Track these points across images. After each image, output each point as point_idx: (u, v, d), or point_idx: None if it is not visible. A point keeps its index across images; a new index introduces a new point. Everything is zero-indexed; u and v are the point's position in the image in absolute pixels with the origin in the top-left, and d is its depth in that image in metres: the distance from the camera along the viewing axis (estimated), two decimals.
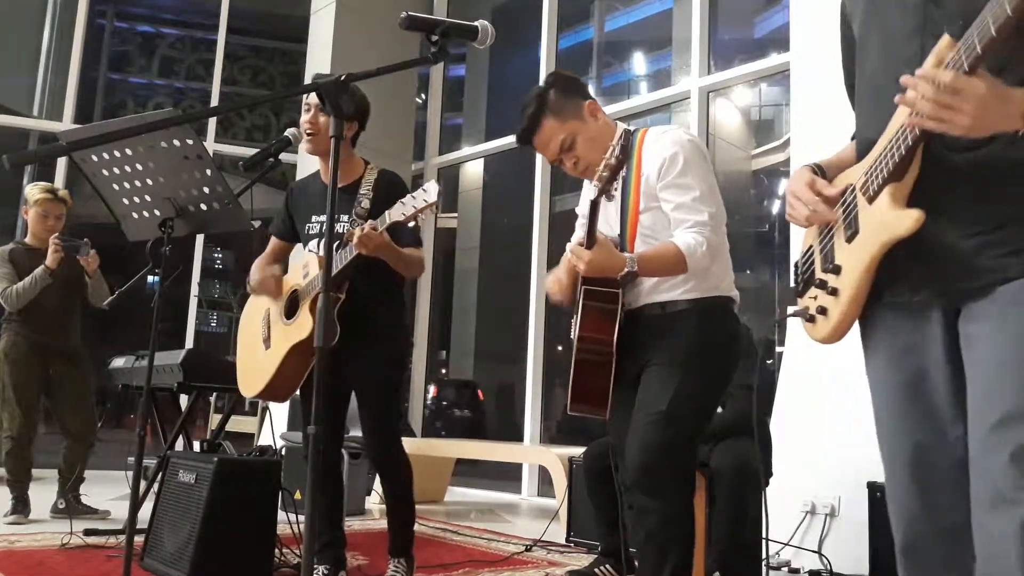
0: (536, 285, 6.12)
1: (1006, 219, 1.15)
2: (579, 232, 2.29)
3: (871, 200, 1.23)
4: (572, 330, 2.09)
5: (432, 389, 7.00)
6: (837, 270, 1.30)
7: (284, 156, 2.58)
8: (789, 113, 4.12)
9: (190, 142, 2.10)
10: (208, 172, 2.15)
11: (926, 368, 1.26)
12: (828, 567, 3.20)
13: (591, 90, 2.23)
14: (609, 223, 2.08)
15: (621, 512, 2.74)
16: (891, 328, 1.30)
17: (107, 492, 4.30)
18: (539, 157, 6.19)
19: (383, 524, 2.80)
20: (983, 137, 1.13)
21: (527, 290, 6.19)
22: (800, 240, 1.49)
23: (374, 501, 4.93)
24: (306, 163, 5.41)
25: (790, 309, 1.45)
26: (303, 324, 2.51)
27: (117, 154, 2.17)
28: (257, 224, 2.63)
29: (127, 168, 2.19)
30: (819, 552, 3.25)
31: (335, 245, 2.42)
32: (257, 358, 2.68)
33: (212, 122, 7.22)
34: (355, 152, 2.73)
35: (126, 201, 2.28)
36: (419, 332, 6.97)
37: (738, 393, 2.97)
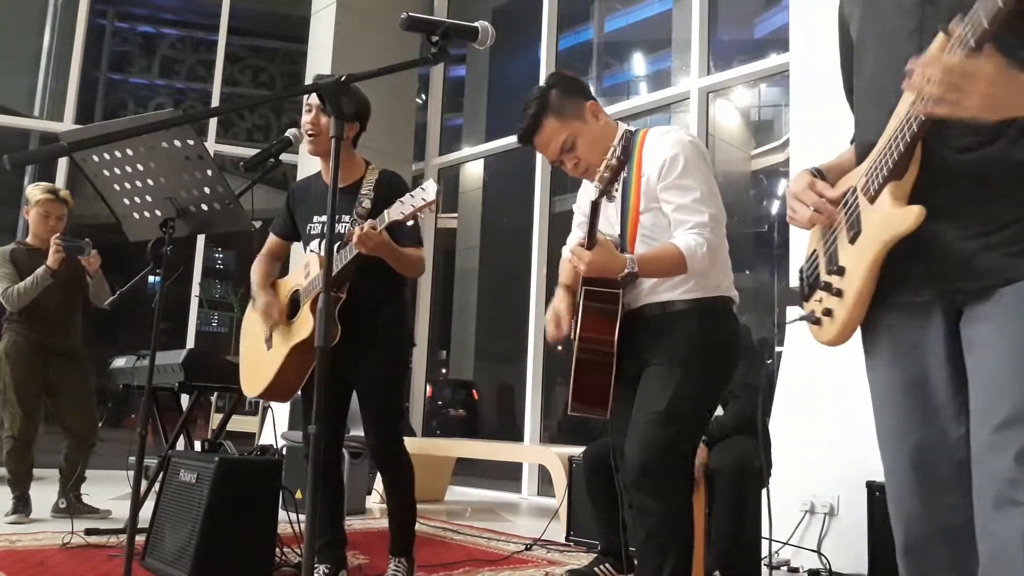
0: (536, 285, 6.12)
1: (1007, 220, 1.16)
2: (576, 231, 2.30)
3: (872, 200, 1.24)
4: (572, 330, 2.09)
5: (427, 389, 7.01)
6: (841, 271, 1.30)
7: (285, 156, 2.59)
8: (788, 114, 4.12)
9: (191, 142, 2.11)
10: (209, 172, 2.16)
11: (927, 369, 1.27)
12: (827, 566, 3.20)
13: (591, 91, 2.23)
14: (609, 223, 2.09)
15: (621, 511, 2.74)
16: (892, 328, 1.30)
17: (108, 492, 4.31)
18: (539, 157, 6.20)
19: (384, 523, 2.81)
20: (988, 128, 1.13)
21: (527, 290, 6.20)
22: (800, 240, 1.50)
23: (375, 500, 4.93)
24: (307, 163, 5.42)
25: (796, 313, 1.45)
26: (304, 324, 2.52)
27: (118, 154, 2.17)
28: (258, 224, 2.64)
29: (128, 168, 2.20)
30: (818, 551, 3.26)
31: (336, 245, 2.43)
32: (259, 358, 2.69)
33: (213, 122, 7.22)
34: (356, 152, 2.74)
35: (127, 201, 2.29)
36: (419, 332, 6.98)
37: (738, 393, 2.98)
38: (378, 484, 4.91)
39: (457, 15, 7.19)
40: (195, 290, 6.70)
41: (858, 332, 1.35)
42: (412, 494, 2.67)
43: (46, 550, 3.03)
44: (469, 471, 6.20)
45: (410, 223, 2.36)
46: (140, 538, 2.51)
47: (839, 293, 1.31)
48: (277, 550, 2.65)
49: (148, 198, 2.25)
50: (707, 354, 2.02)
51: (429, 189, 2.27)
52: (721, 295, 2.08)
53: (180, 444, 3.64)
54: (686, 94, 5.49)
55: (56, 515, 3.84)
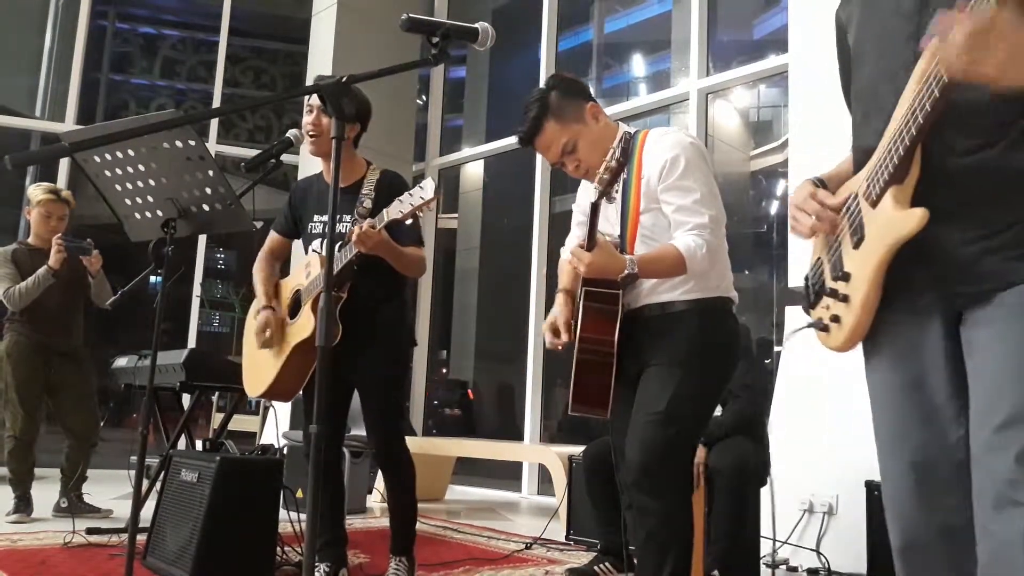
0: (536, 285, 6.13)
1: (1009, 223, 1.16)
2: (576, 231, 2.30)
3: (874, 204, 1.24)
4: (572, 331, 2.10)
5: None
6: (847, 277, 1.30)
7: (286, 157, 2.60)
8: (788, 114, 4.13)
9: (192, 143, 2.11)
10: (210, 173, 2.17)
11: (926, 370, 1.27)
12: (826, 565, 3.21)
13: (591, 92, 2.24)
14: (609, 224, 2.10)
15: (621, 510, 2.75)
16: (892, 330, 1.31)
17: (109, 491, 4.32)
18: (539, 158, 6.21)
19: (384, 522, 2.82)
20: (988, 131, 1.14)
21: (527, 290, 6.21)
22: (799, 241, 1.50)
23: (375, 500, 4.94)
24: (308, 164, 5.43)
25: (804, 321, 1.45)
26: (305, 324, 2.53)
27: (119, 155, 2.18)
28: (259, 225, 2.65)
29: (129, 169, 2.21)
30: (817, 550, 3.27)
31: (337, 245, 2.44)
32: (261, 358, 2.70)
33: (214, 123, 7.23)
34: (357, 153, 2.75)
35: (128, 202, 2.30)
36: (420, 332, 6.99)
37: (737, 393, 2.99)
38: (379, 483, 4.92)
39: (457, 16, 7.20)
40: (196, 290, 6.71)
41: None
42: (413, 493, 2.67)
43: (47, 549, 3.04)
44: (469, 471, 6.20)
45: (409, 222, 2.37)
46: (141, 537, 2.52)
47: (846, 299, 1.31)
48: (278, 549, 2.66)
49: (149, 198, 2.26)
50: (707, 354, 2.03)
51: (428, 188, 2.27)
52: (721, 296, 2.09)
53: (181, 444, 3.64)
54: (685, 95, 5.50)
55: (57, 514, 3.85)
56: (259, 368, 2.71)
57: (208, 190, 2.20)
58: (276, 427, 4.18)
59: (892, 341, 1.32)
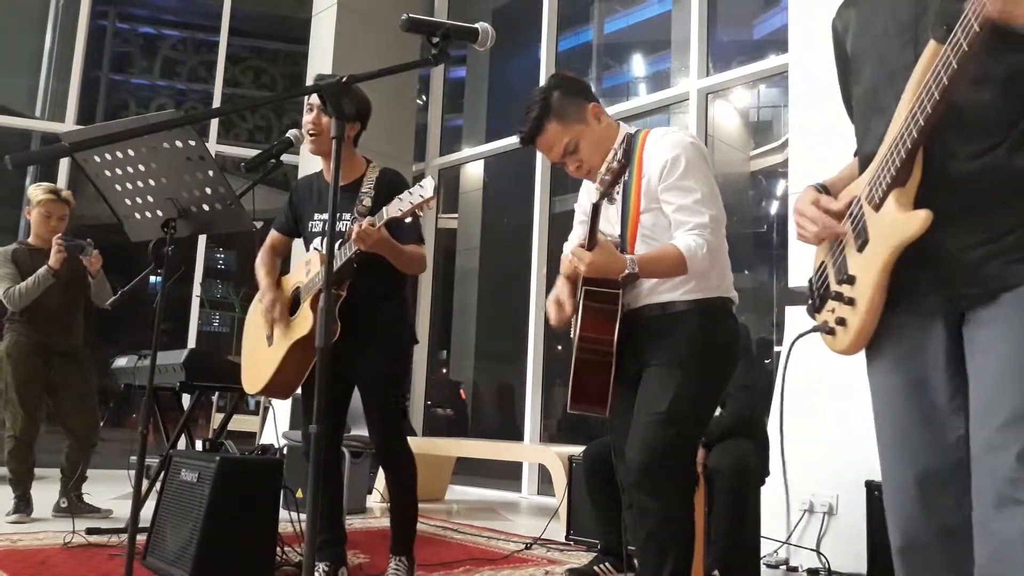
0: (536, 285, 6.13)
1: (1011, 226, 1.17)
2: (577, 230, 2.30)
3: (877, 208, 1.25)
4: (572, 330, 2.10)
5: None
6: (852, 280, 1.31)
7: (286, 157, 2.60)
8: (787, 114, 4.13)
9: (192, 143, 2.12)
10: (210, 173, 2.17)
11: (927, 371, 1.28)
12: (826, 565, 3.21)
13: (593, 92, 2.22)
14: (610, 223, 2.09)
15: (621, 510, 2.75)
16: (894, 331, 1.31)
17: (109, 491, 4.32)
18: (539, 158, 6.21)
19: (384, 522, 2.82)
20: (989, 134, 1.15)
21: (527, 290, 6.21)
22: (799, 240, 1.50)
23: (375, 500, 4.94)
24: (308, 164, 5.43)
25: (809, 325, 1.45)
26: (304, 321, 2.53)
27: (119, 155, 2.18)
28: (259, 225, 2.65)
29: (129, 169, 2.21)
30: (817, 550, 3.27)
31: (337, 243, 2.44)
32: (260, 355, 2.70)
33: (214, 123, 7.23)
34: (356, 151, 2.76)
35: (128, 202, 2.30)
36: (420, 332, 6.99)
37: (736, 393, 2.99)
38: (379, 483, 4.92)
39: (457, 16, 7.20)
40: (196, 290, 6.71)
41: None
42: (413, 493, 2.67)
43: (47, 549, 3.04)
44: (469, 471, 6.20)
45: (409, 220, 2.37)
46: (141, 537, 2.52)
47: (851, 302, 1.31)
48: (278, 549, 2.66)
49: (149, 198, 2.26)
50: (707, 355, 2.03)
51: (427, 186, 2.28)
52: (721, 296, 2.09)
53: (181, 443, 3.65)
54: (685, 95, 5.50)
55: (57, 514, 3.85)
56: (257, 365, 2.71)
57: (208, 190, 2.20)
58: (276, 427, 4.19)
59: (895, 343, 1.32)
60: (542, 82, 2.25)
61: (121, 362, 4.05)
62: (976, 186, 1.18)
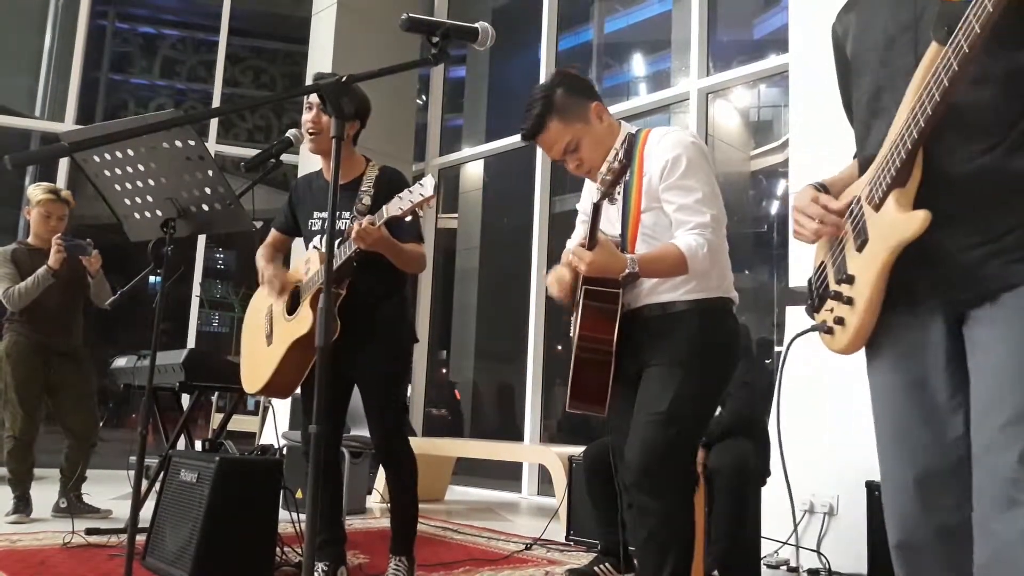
0: (536, 285, 6.13)
1: (1011, 227, 1.17)
2: (579, 230, 2.30)
3: (877, 208, 1.25)
4: (572, 329, 2.10)
5: (408, 389, 7.00)
6: (851, 280, 1.31)
7: (285, 157, 2.59)
8: (788, 114, 4.13)
9: (192, 143, 2.11)
10: (210, 173, 2.17)
11: (927, 370, 1.28)
12: (827, 566, 3.21)
13: (596, 91, 2.21)
14: (610, 223, 2.09)
15: (621, 511, 2.75)
16: (894, 331, 1.31)
17: (109, 491, 4.32)
18: (539, 158, 6.21)
19: (384, 523, 2.82)
20: (988, 135, 1.16)
21: (527, 290, 6.20)
22: (796, 239, 1.50)
23: (375, 500, 4.94)
24: (307, 164, 5.43)
25: (808, 324, 1.45)
26: (303, 320, 2.53)
27: (119, 155, 2.18)
28: (259, 225, 2.65)
29: (129, 169, 2.21)
30: (818, 551, 3.27)
31: (336, 241, 2.43)
32: (259, 354, 2.70)
33: (214, 123, 7.23)
34: (356, 150, 2.76)
35: (128, 202, 2.29)
36: (420, 332, 6.97)
37: (736, 393, 2.99)
38: (379, 483, 4.91)
39: (457, 16, 7.19)
40: (196, 290, 6.71)
41: None
42: (413, 492, 2.67)
43: (47, 550, 3.04)
44: (469, 471, 6.20)
45: (409, 218, 2.36)
46: (141, 538, 2.51)
47: (850, 301, 1.31)
48: (278, 549, 2.66)
49: (149, 198, 2.26)
50: (707, 355, 2.02)
51: (427, 185, 2.27)
52: (721, 296, 2.08)
53: (181, 444, 3.64)
54: (686, 95, 5.50)
55: (57, 515, 3.85)
56: (256, 364, 2.71)
57: (208, 190, 2.20)
58: (275, 427, 4.18)
59: (894, 342, 1.32)
60: (542, 82, 2.24)
61: (120, 362, 4.05)
62: (975, 187, 1.19)
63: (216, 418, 5.43)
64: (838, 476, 3.28)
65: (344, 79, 1.59)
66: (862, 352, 1.39)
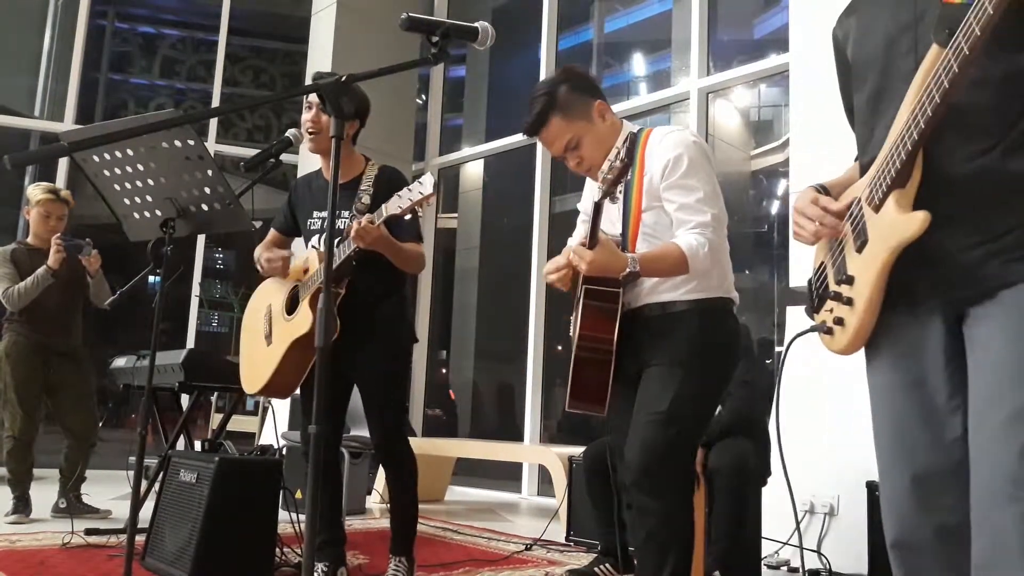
0: (536, 285, 6.13)
1: (1011, 226, 1.17)
2: (580, 229, 2.30)
3: (877, 209, 1.25)
4: (572, 328, 2.10)
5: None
6: (850, 280, 1.31)
7: (285, 157, 2.60)
8: (788, 114, 4.13)
9: (191, 143, 2.11)
10: (209, 172, 2.16)
11: (926, 370, 1.28)
12: (827, 566, 3.21)
13: (600, 89, 2.19)
14: (611, 222, 2.09)
15: (619, 511, 2.75)
16: (893, 330, 1.31)
17: (108, 492, 4.31)
18: (539, 158, 6.21)
19: (384, 523, 2.81)
20: (987, 135, 1.16)
21: (527, 290, 6.20)
22: (796, 240, 1.50)
23: (374, 500, 4.94)
24: (307, 163, 5.42)
25: (808, 324, 1.46)
26: (303, 320, 2.53)
27: (118, 154, 2.18)
28: (258, 224, 2.64)
29: (128, 168, 2.20)
30: (818, 551, 3.26)
31: (336, 240, 2.43)
32: (258, 354, 2.70)
33: (213, 123, 7.23)
34: (355, 150, 2.75)
35: (127, 201, 2.29)
36: (420, 332, 6.98)
37: (736, 392, 2.98)
38: (378, 483, 4.91)
39: (457, 15, 7.19)
40: (195, 290, 6.70)
41: None
42: (412, 493, 2.66)
43: (46, 550, 3.03)
44: (469, 471, 6.20)
45: (407, 217, 2.36)
46: (140, 538, 2.51)
47: (849, 302, 1.32)
48: (277, 550, 2.66)
49: (148, 198, 2.26)
50: (707, 355, 2.02)
51: (427, 183, 2.27)
52: (722, 296, 2.08)
53: (180, 444, 3.64)
54: (686, 94, 5.49)
55: (56, 515, 3.85)
56: (256, 365, 2.70)
57: (207, 190, 2.20)
58: (275, 427, 4.18)
59: (894, 342, 1.32)
60: (547, 77, 2.23)
61: (120, 362, 4.05)
62: (975, 187, 1.19)
63: (215, 418, 5.43)
64: (838, 476, 3.28)
65: (344, 79, 1.59)
66: (862, 352, 1.39)
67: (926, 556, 1.28)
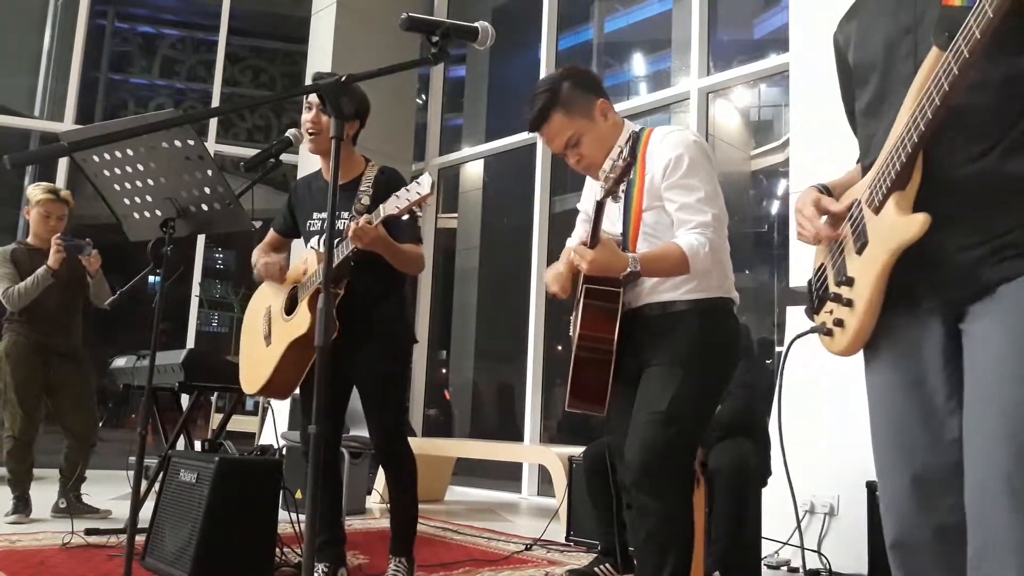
0: (536, 285, 6.13)
1: (1011, 226, 1.17)
2: (580, 228, 2.30)
3: (877, 211, 1.26)
4: (572, 328, 2.09)
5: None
6: (850, 282, 1.32)
7: (285, 157, 2.59)
8: (788, 114, 4.13)
9: (191, 142, 2.11)
10: (209, 172, 2.16)
11: (925, 370, 1.28)
12: (827, 566, 3.21)
13: (604, 88, 2.19)
14: (611, 221, 2.09)
15: (619, 511, 2.74)
16: (891, 331, 1.32)
17: (108, 492, 4.31)
18: (539, 158, 6.20)
19: (384, 523, 2.81)
20: (986, 136, 1.16)
21: (527, 290, 6.20)
22: (799, 240, 1.50)
23: (374, 500, 4.94)
24: (307, 164, 5.42)
25: (807, 326, 1.46)
26: (301, 320, 2.53)
27: (118, 154, 2.18)
28: (258, 224, 2.64)
29: (128, 168, 2.20)
30: (818, 551, 3.26)
31: (336, 241, 2.43)
32: (258, 355, 2.70)
33: (213, 123, 7.23)
34: (355, 150, 2.75)
35: (127, 201, 2.29)
36: (419, 332, 6.98)
37: (735, 392, 2.98)
38: (378, 484, 4.91)
39: (457, 15, 7.19)
40: (195, 290, 6.71)
41: None
42: (412, 493, 2.66)
43: (46, 550, 3.03)
44: (469, 471, 6.20)
45: (406, 217, 2.35)
46: (140, 538, 2.51)
47: (849, 303, 1.32)
48: (277, 550, 2.66)
49: (148, 198, 2.25)
50: (707, 355, 2.02)
51: (424, 183, 2.26)
52: (722, 296, 2.08)
53: (180, 444, 3.64)
54: (686, 94, 5.49)
55: (56, 515, 3.85)
56: (255, 365, 2.71)
57: (207, 190, 2.19)
58: (275, 427, 4.18)
59: (892, 342, 1.33)
60: (551, 73, 2.22)
61: (120, 362, 4.05)
62: (974, 188, 1.19)
63: (215, 418, 5.42)
64: (838, 476, 3.28)
65: (343, 79, 1.59)
66: (862, 353, 1.39)
67: (925, 556, 1.28)
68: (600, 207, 1.90)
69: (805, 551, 3.29)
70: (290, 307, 2.63)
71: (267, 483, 2.61)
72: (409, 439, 2.73)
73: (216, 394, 5.11)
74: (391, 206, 2.31)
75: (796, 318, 3.64)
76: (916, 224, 1.18)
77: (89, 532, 3.24)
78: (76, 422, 3.95)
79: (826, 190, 1.43)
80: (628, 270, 1.91)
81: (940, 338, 1.27)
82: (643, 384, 2.03)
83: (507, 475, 6.11)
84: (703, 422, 2.10)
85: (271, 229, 2.86)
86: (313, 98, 2.64)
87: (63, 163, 6.52)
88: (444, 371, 7.84)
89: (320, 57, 6.64)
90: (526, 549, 3.55)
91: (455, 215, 8.10)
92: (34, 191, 4.01)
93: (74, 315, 4.03)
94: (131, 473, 2.18)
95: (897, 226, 1.21)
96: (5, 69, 8.02)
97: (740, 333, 2.17)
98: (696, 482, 2.24)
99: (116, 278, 4.04)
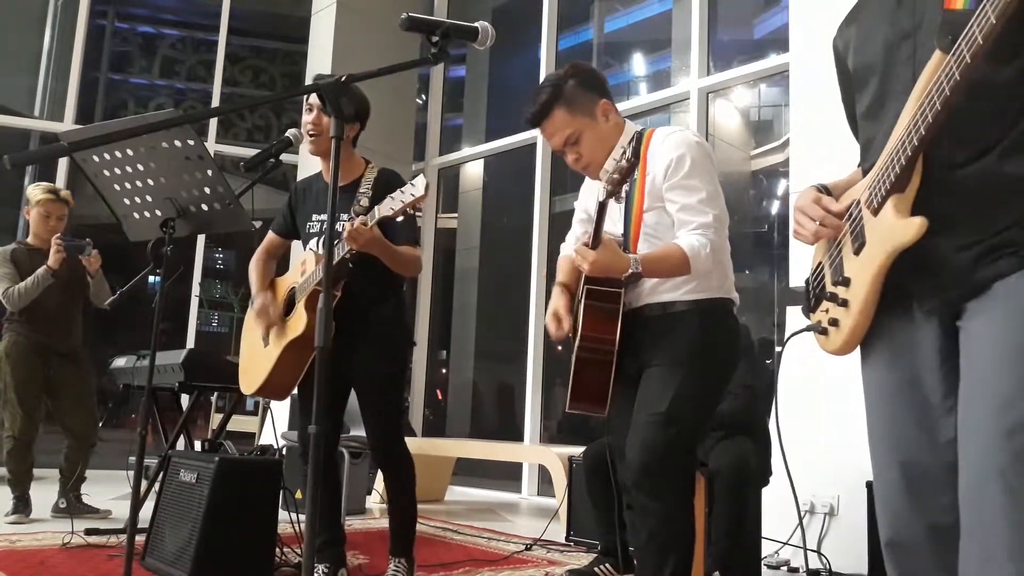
0: (536, 285, 6.13)
1: (1006, 227, 1.18)
2: (576, 229, 2.30)
3: (875, 212, 1.26)
4: (573, 328, 2.10)
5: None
6: (847, 282, 1.32)
7: (285, 157, 2.60)
8: (788, 114, 4.12)
9: (191, 143, 2.11)
10: (209, 172, 2.16)
11: (921, 369, 1.29)
12: (827, 566, 3.21)
13: (608, 88, 2.19)
14: (612, 221, 2.09)
15: (619, 511, 2.74)
16: (888, 329, 1.32)
17: (108, 492, 4.31)
18: (539, 158, 6.20)
19: (383, 523, 2.81)
20: (984, 138, 1.17)
21: (527, 290, 6.20)
22: (796, 239, 1.51)
23: (374, 500, 4.94)
24: (307, 164, 5.43)
25: (803, 324, 1.47)
26: (298, 321, 2.53)
27: (118, 154, 2.18)
28: (258, 224, 2.64)
29: (128, 168, 2.20)
30: (818, 551, 3.26)
31: (335, 243, 2.43)
32: (256, 356, 2.70)
33: (213, 123, 7.23)
34: (355, 152, 2.75)
35: (127, 201, 2.29)
36: (419, 332, 6.98)
37: (736, 392, 2.98)
38: (378, 484, 4.91)
39: (457, 15, 7.19)
40: (195, 290, 6.71)
41: None
42: (411, 494, 2.66)
43: (46, 550, 3.03)
44: (469, 471, 6.20)
45: (402, 219, 2.35)
46: (140, 538, 2.51)
47: (845, 303, 1.33)
48: (277, 550, 2.65)
49: (148, 198, 2.26)
50: (707, 355, 2.02)
51: (419, 185, 2.26)
52: (722, 296, 2.08)
53: (180, 444, 3.64)
54: (686, 94, 5.49)
55: (56, 515, 3.85)
56: (254, 366, 2.71)
57: (207, 189, 2.20)
58: (275, 428, 4.18)
59: (888, 341, 1.33)
60: (556, 70, 2.22)
61: (120, 362, 4.05)
62: (972, 190, 1.20)
63: (215, 418, 5.42)
64: (838, 476, 3.28)
65: (344, 79, 1.59)
66: (858, 351, 1.39)
67: (920, 556, 1.28)
68: (603, 207, 1.90)
69: (802, 549, 3.29)
70: (288, 308, 2.63)
71: (267, 483, 2.61)
72: (409, 439, 2.73)
73: (216, 394, 5.10)
74: (385, 207, 2.31)
75: (796, 318, 3.64)
76: (913, 227, 1.19)
77: (89, 532, 3.24)
78: (76, 422, 3.95)
79: (826, 190, 1.44)
80: (629, 271, 1.91)
81: (937, 337, 1.27)
82: (643, 384, 2.04)
83: (507, 475, 6.11)
84: (703, 422, 2.11)
85: (270, 231, 2.86)
86: (314, 99, 2.64)
87: (63, 163, 6.52)
88: (444, 371, 7.84)
89: (320, 57, 6.64)
90: (526, 549, 3.55)
91: (455, 215, 8.10)
92: (34, 191, 4.01)
93: (74, 315, 4.03)
94: (131, 473, 2.19)
95: (895, 228, 1.22)
96: (5, 69, 8.02)
97: (740, 333, 2.17)
98: (696, 482, 2.25)
99: (116, 278, 4.04)
